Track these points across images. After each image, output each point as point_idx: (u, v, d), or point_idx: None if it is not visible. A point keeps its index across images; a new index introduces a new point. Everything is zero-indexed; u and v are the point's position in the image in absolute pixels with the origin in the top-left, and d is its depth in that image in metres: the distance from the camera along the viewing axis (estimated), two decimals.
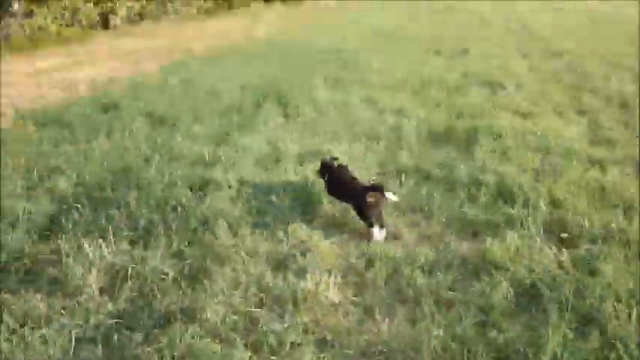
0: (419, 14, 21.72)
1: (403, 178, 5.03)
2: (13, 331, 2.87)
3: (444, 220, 4.31)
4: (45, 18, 14.61)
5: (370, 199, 3.99)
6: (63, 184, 4.57)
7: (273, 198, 4.35)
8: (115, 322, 2.99)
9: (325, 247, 3.83)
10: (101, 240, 3.64)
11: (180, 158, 5.24)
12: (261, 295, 3.27)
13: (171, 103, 7.48)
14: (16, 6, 14.41)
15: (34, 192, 4.53)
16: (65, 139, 6.03)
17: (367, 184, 4.31)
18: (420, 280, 3.46)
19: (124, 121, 6.57)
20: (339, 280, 3.49)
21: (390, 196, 4.04)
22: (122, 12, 17.77)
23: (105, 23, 17.32)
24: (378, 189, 4.05)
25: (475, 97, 7.96)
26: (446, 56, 12.01)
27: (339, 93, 8.28)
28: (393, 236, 4.08)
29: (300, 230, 3.96)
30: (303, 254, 3.69)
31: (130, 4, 17.91)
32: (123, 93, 8.21)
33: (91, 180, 4.74)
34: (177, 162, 5.10)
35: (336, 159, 4.61)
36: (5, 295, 3.13)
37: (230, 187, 4.52)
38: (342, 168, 4.46)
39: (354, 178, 4.39)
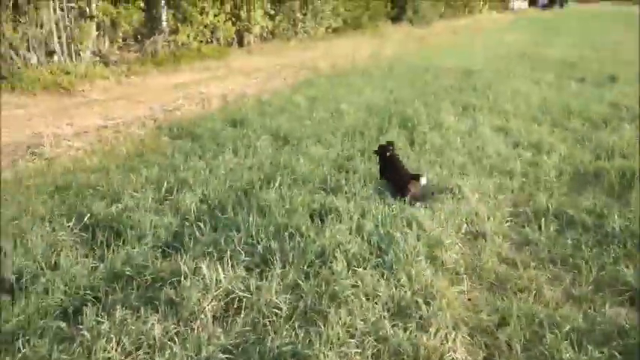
0: (558, 30, 20.19)
1: (542, 223, 4.44)
2: (129, 353, 2.83)
3: (594, 278, 3.69)
4: (188, 35, 15.66)
5: (411, 187, 4.81)
6: (188, 200, 4.60)
7: (397, 234, 4.01)
8: (226, 358, 2.83)
9: (452, 296, 3.41)
10: (218, 263, 3.55)
11: (301, 182, 5.09)
12: (379, 346, 2.95)
13: (295, 121, 7.48)
14: (164, 24, 15.65)
15: (162, 205, 4.62)
16: (195, 152, 6.21)
17: (410, 174, 5.03)
18: (567, 353, 2.91)
19: (250, 138, 6.64)
20: (467, 338, 3.06)
21: (423, 180, 4.89)
22: (256, 30, 18.60)
23: (240, 41, 18.26)
24: (416, 178, 4.91)
25: (628, 134, 6.99)
26: (589, 83, 10.90)
27: (468, 120, 7.75)
28: (530, 291, 3.54)
29: (424, 274, 3.58)
30: (427, 302, 3.30)
31: (263, 23, 18.67)
32: (251, 109, 8.39)
33: (214, 197, 4.75)
34: (298, 186, 4.95)
35: (391, 146, 5.26)
36: (125, 312, 3.12)
37: (351, 217, 4.25)
38: (394, 156, 5.22)
39: (403, 167, 5.14)
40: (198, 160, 5.87)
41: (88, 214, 4.34)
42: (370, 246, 3.91)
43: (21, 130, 7.89)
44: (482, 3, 42.27)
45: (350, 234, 4.04)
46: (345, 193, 4.83)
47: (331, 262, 3.62)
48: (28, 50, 11.27)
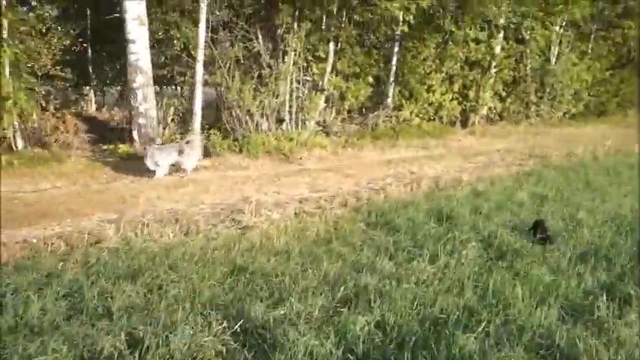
0: None
1: None
2: None
3: None
4: (411, 112, 15.20)
5: None
6: (360, 323, 3.55)
7: None
8: None
9: None
10: None
11: (516, 329, 3.60)
12: None
13: (513, 225, 5.98)
14: (389, 100, 15.51)
15: (327, 324, 3.64)
16: (387, 249, 5.21)
17: None
18: None
19: (455, 241, 5.38)
20: None
21: None
22: (483, 111, 17.30)
23: (465, 121, 17.15)
24: None
25: None
26: None
27: None
28: None
29: None
30: None
31: (492, 104, 17.29)
32: (463, 201, 7.12)
33: (394, 324, 3.61)
34: (510, 334, 3.50)
35: None
36: None
37: None
38: None
39: None
40: (388, 261, 4.85)
41: (244, 317, 3.62)
42: None
43: (233, 193, 7.99)
44: None
45: None
46: None
47: None
48: (262, 117, 11.95)
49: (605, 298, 4.03)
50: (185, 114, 11.50)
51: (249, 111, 11.65)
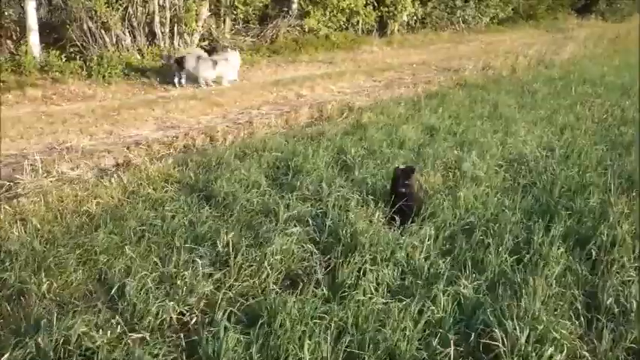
0: None
1: None
2: None
3: None
4: (317, 20, 12.99)
5: None
6: None
7: None
8: None
9: None
10: None
11: None
12: None
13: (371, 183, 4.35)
14: (294, 6, 13.17)
15: None
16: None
17: None
18: None
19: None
20: None
21: None
22: (403, 17, 15.26)
23: (382, 29, 15.11)
24: None
25: None
26: None
27: None
28: None
29: None
30: None
31: (412, 9, 15.22)
32: (329, 144, 5.40)
33: None
34: None
35: None
36: None
37: None
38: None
39: None
40: None
41: None
42: None
43: (42, 137, 5.97)
44: None
45: None
46: None
47: None
48: (124, 31, 9.55)
49: None
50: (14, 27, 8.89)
51: (104, 23, 9.21)
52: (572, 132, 5.87)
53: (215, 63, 8.74)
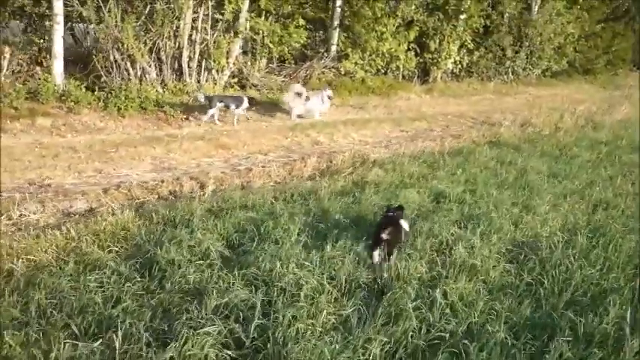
0: None
1: None
2: None
3: None
4: (355, 64, 12.55)
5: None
6: None
7: None
8: None
9: None
10: None
11: None
12: None
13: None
14: (333, 48, 12.84)
15: None
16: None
17: None
18: None
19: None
20: None
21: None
22: (447, 65, 14.59)
23: (424, 76, 14.48)
24: None
25: None
26: None
27: None
28: None
29: None
30: None
31: (457, 57, 14.55)
32: (328, 204, 4.79)
33: None
34: None
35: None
36: None
37: None
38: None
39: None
40: None
41: None
42: None
43: (26, 173, 5.70)
44: None
45: None
46: None
47: None
48: (150, 64, 9.43)
49: None
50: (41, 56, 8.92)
51: (130, 56, 9.13)
52: (606, 212, 4.99)
53: (308, 99, 9.43)
